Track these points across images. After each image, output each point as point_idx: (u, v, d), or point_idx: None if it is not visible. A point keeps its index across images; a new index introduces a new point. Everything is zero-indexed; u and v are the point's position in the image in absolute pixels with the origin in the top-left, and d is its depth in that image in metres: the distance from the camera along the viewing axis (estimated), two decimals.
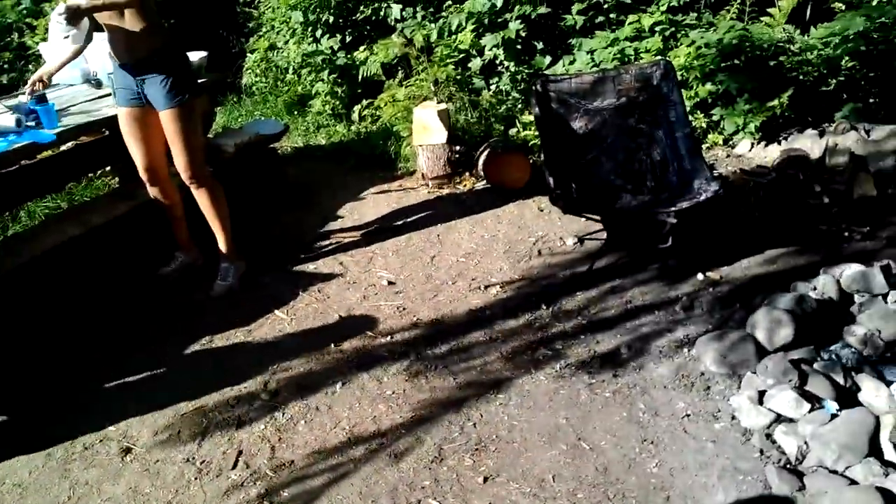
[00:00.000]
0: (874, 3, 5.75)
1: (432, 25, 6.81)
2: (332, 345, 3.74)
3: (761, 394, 3.03)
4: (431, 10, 7.12)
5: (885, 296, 3.56)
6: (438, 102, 5.78)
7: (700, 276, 4.15)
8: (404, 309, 4.05)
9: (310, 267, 4.61)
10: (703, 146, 5.94)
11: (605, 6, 6.64)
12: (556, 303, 4.01)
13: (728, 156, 5.84)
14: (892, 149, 5.14)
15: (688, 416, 3.05)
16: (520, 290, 4.17)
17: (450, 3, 6.80)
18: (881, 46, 5.50)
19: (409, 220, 5.23)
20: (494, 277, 4.32)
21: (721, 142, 5.92)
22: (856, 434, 2.66)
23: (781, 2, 6.17)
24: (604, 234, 4.55)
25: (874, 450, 2.65)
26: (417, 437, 3.04)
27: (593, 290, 4.13)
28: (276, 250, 4.86)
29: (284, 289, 4.33)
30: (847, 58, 5.78)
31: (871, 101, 5.90)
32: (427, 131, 5.53)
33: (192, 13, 8.63)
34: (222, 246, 4.27)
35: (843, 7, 6.32)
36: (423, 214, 5.30)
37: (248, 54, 8.61)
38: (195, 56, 5.07)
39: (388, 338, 3.78)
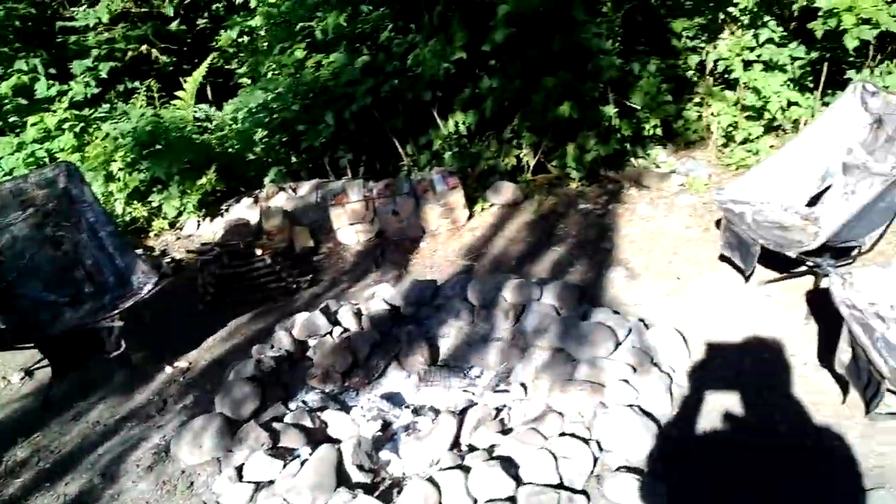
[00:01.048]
0: (269, 77, 6.44)
1: None
2: None
3: (240, 469, 3.00)
4: None
5: (330, 333, 3.93)
6: None
7: (168, 370, 3.98)
8: None
9: None
10: (151, 233, 5.82)
11: (3, 109, 5.98)
12: (7, 456, 3.35)
13: (178, 238, 5.83)
14: (316, 201, 5.82)
15: None
16: None
17: None
18: (283, 114, 6.15)
19: None
20: None
21: (168, 226, 5.88)
22: (323, 471, 2.81)
23: (186, 85, 6.47)
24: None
25: (343, 478, 2.85)
26: None
27: (53, 425, 3.60)
28: None
29: None
30: (259, 128, 6.35)
31: (292, 161, 6.61)
32: None
33: None
34: None
35: (249, 82, 6.96)
36: None
37: None
38: None
39: None
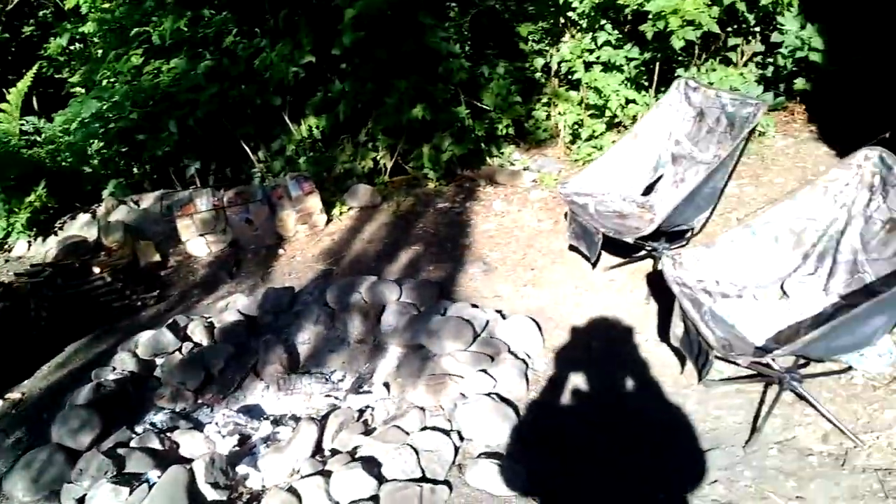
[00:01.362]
0: (103, 85, 6.00)
1: None
2: None
3: (81, 500, 2.76)
4: None
5: (179, 349, 3.71)
6: None
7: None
8: None
9: None
10: None
11: None
12: None
13: (7, 261, 5.31)
14: (161, 212, 5.49)
15: None
16: None
17: None
18: (121, 123, 5.73)
19: None
20: None
21: None
22: (172, 494, 2.64)
23: (10, 96, 5.92)
24: None
25: (198, 499, 2.69)
26: None
27: None
28: None
29: None
30: (95, 139, 5.89)
31: (133, 172, 6.20)
32: None
33: None
34: None
35: (83, 91, 6.44)
36: None
37: None
38: None
39: None
